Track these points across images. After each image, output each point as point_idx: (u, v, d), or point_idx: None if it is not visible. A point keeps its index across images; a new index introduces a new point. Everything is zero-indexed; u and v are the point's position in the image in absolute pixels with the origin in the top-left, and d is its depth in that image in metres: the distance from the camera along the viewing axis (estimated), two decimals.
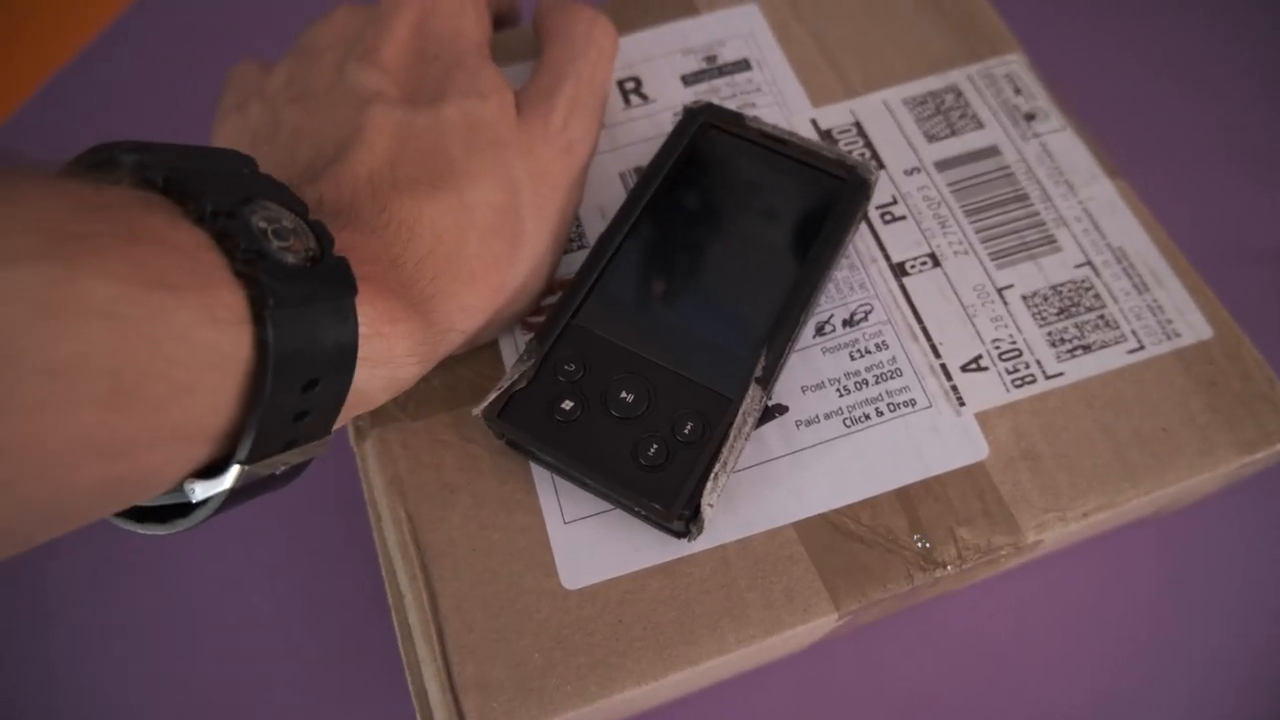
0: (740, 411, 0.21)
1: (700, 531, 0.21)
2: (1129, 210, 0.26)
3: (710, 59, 0.29)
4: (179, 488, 0.15)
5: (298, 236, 0.16)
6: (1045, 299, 0.25)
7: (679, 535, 0.21)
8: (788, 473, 0.23)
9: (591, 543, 0.22)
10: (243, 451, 0.15)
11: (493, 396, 0.21)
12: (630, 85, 0.29)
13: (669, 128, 0.27)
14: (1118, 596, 0.29)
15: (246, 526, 0.30)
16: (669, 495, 0.20)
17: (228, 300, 0.14)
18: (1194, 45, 0.40)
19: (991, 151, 0.27)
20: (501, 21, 0.28)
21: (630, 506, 0.21)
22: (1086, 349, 0.24)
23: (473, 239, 0.21)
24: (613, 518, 0.22)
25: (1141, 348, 0.24)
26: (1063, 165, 0.27)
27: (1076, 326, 0.24)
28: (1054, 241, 0.26)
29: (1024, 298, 0.25)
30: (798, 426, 0.23)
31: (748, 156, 0.25)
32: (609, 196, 0.27)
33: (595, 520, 0.22)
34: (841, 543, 0.22)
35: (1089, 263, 0.25)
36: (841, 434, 0.23)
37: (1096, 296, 0.25)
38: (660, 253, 0.24)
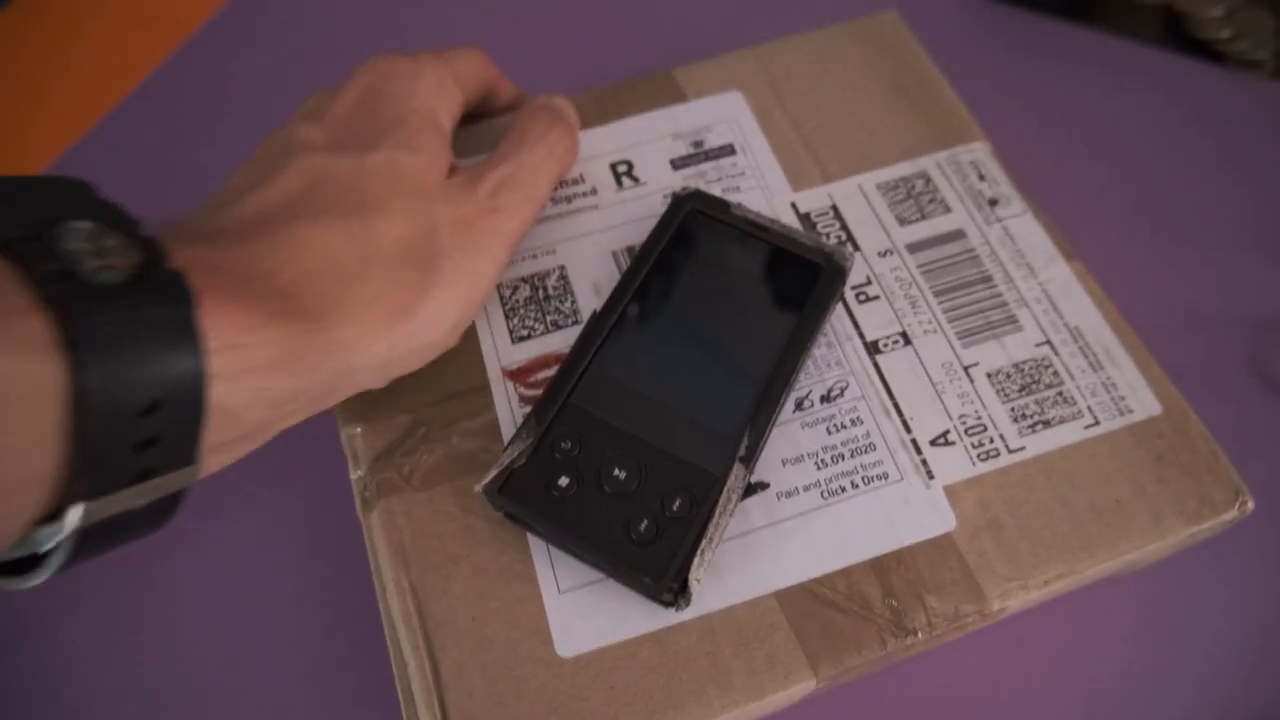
0: (725, 489, 0.23)
1: (688, 603, 0.22)
2: (1084, 291, 0.28)
3: (698, 144, 0.31)
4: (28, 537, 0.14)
5: (123, 254, 0.15)
6: (1008, 376, 0.27)
7: (668, 605, 0.23)
8: (769, 543, 0.24)
9: (585, 612, 0.23)
10: (78, 490, 0.14)
11: (493, 473, 0.23)
12: (623, 168, 0.31)
13: (659, 209, 0.29)
14: (1086, 651, 0.30)
15: (256, 587, 0.31)
16: (659, 569, 0.22)
17: (33, 326, 0.13)
18: (1144, 129, 0.42)
19: (958, 235, 0.29)
20: (494, 103, 0.30)
21: (622, 579, 0.23)
22: (1046, 424, 0.26)
23: (376, 265, 0.21)
24: (606, 587, 0.23)
25: (1097, 423, 0.26)
26: (1023, 248, 0.29)
27: (1037, 403, 0.26)
28: (1016, 321, 0.27)
29: (989, 375, 0.27)
30: (779, 498, 0.25)
31: (732, 242, 0.27)
32: (602, 274, 0.28)
33: (589, 589, 0.23)
34: (819, 611, 0.23)
35: (1048, 341, 0.27)
36: (819, 506, 0.25)
37: (1055, 374, 0.27)
38: (650, 334, 0.26)
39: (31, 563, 0.15)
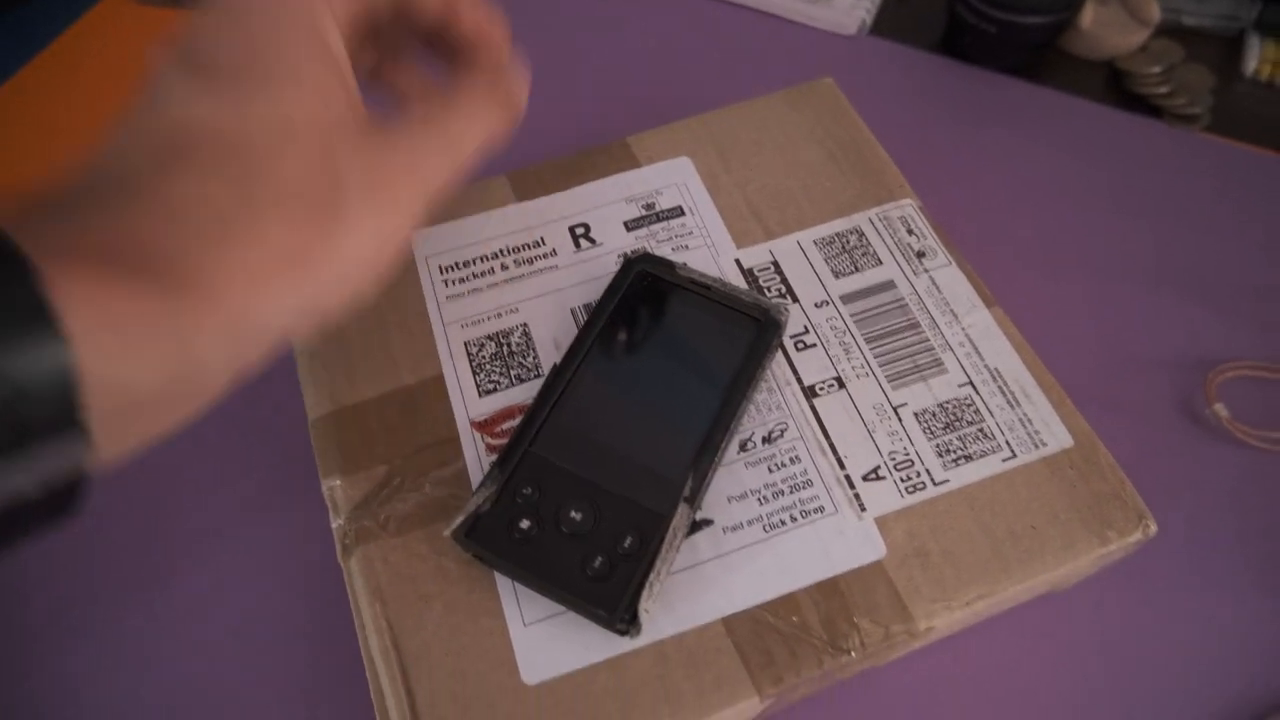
0: (671, 527, 0.25)
1: (639, 632, 0.24)
2: (1003, 335, 0.31)
3: (649, 206, 0.34)
4: None
5: None
6: (934, 415, 0.29)
7: (622, 634, 0.25)
8: (716, 574, 0.26)
9: (548, 642, 0.25)
10: None
11: (460, 519, 0.25)
12: (580, 230, 0.33)
13: (614, 268, 0.31)
14: (1018, 665, 0.33)
15: (240, 623, 0.33)
16: (612, 602, 0.24)
17: None
18: (1084, 180, 0.45)
19: (889, 285, 0.32)
20: (416, 10, 0.25)
21: (580, 611, 0.25)
22: (968, 458, 0.28)
23: (265, 209, 0.19)
24: (566, 619, 0.26)
25: (1014, 456, 0.28)
26: (948, 297, 0.32)
27: (960, 439, 0.29)
28: (941, 364, 0.30)
29: (916, 414, 0.29)
30: (724, 532, 0.27)
31: (678, 299, 0.30)
32: (562, 330, 0.31)
33: (551, 622, 0.26)
34: (762, 634, 0.26)
35: (970, 382, 0.30)
36: (761, 539, 0.27)
37: (976, 412, 0.29)
38: (604, 386, 0.28)
39: None
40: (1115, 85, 0.50)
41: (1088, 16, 0.49)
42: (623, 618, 0.24)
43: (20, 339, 0.14)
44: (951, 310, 0.31)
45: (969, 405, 0.29)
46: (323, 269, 0.20)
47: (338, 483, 0.28)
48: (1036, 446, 0.29)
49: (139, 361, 0.17)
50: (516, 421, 0.29)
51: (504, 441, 0.28)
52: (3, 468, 0.15)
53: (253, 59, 0.20)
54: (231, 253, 0.18)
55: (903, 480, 0.28)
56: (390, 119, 0.22)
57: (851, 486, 0.28)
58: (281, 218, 0.19)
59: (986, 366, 0.30)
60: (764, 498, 0.28)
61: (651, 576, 0.24)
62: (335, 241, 0.20)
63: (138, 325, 0.16)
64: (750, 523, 0.27)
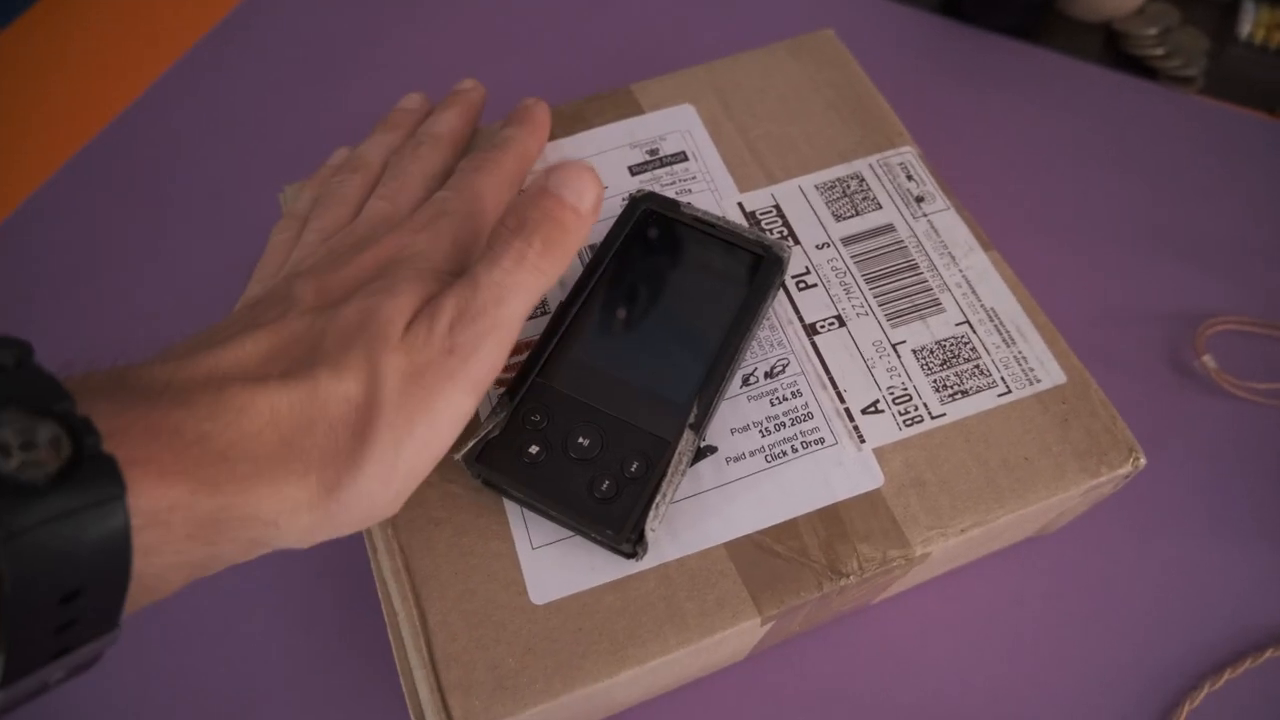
0: (677, 452, 0.26)
1: (645, 552, 0.25)
2: (999, 277, 0.31)
3: (653, 151, 0.34)
4: None
5: (50, 446, 0.15)
6: (931, 352, 0.30)
7: (628, 556, 0.26)
8: (719, 502, 0.27)
9: (555, 564, 0.26)
10: None
11: (471, 444, 0.26)
12: None
13: (619, 210, 0.32)
14: (1007, 607, 0.34)
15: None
16: (618, 523, 0.25)
17: None
18: (1078, 140, 0.46)
19: (888, 228, 0.32)
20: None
21: (587, 533, 0.26)
22: (964, 393, 0.29)
23: (319, 430, 0.20)
24: (573, 543, 0.26)
25: (1009, 391, 0.29)
26: (946, 240, 0.32)
27: (956, 375, 0.29)
28: (939, 304, 0.31)
29: (914, 351, 0.30)
30: (727, 462, 0.28)
31: (683, 237, 0.30)
32: (567, 271, 0.31)
33: (558, 545, 0.26)
34: (763, 559, 0.26)
35: (967, 321, 0.30)
36: (763, 468, 0.28)
37: (973, 349, 0.30)
38: (610, 320, 0.29)
39: None
40: (1112, 47, 0.50)
41: None
42: (629, 538, 0.25)
43: (94, 545, 0.15)
44: (949, 253, 0.32)
45: (966, 343, 0.30)
46: (341, 501, 0.21)
47: None
48: (1031, 383, 0.29)
49: (176, 561, 0.18)
50: (524, 356, 0.29)
51: (511, 375, 0.29)
52: (44, 671, 0.15)
53: (365, 274, 0.24)
54: (282, 481, 0.19)
55: (901, 414, 0.29)
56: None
57: (851, 419, 0.28)
58: (329, 443, 0.20)
59: (983, 306, 0.31)
60: (766, 429, 0.28)
61: (657, 499, 0.25)
62: (361, 469, 0.21)
63: (189, 533, 0.18)
64: (752, 453, 0.28)
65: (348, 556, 0.31)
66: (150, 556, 0.17)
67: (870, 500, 0.27)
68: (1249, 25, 0.50)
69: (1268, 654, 0.32)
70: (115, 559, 0.16)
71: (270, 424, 0.19)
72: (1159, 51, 0.49)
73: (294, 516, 0.20)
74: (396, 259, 0.24)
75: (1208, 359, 0.38)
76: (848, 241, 0.32)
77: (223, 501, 0.18)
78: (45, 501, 0.14)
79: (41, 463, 0.14)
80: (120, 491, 0.15)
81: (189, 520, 0.18)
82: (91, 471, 0.15)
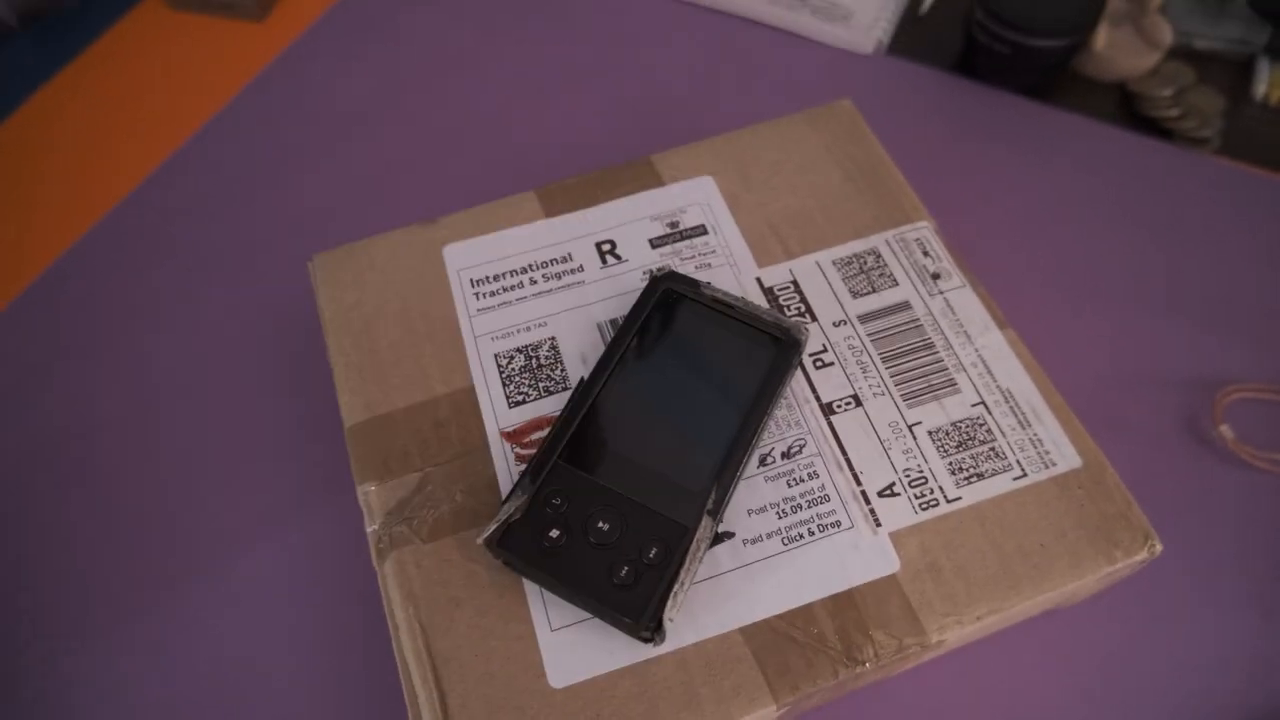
0: (695, 539, 0.26)
1: (663, 639, 0.25)
2: (1015, 357, 0.32)
3: (673, 224, 0.35)
4: None
5: None
6: (947, 434, 0.30)
7: (646, 641, 0.26)
8: (736, 585, 0.27)
9: (574, 647, 0.26)
10: None
11: (492, 528, 0.26)
12: (606, 247, 0.34)
13: (639, 284, 0.32)
14: (1023, 678, 0.34)
15: (272, 624, 0.34)
16: (637, 610, 0.25)
17: None
18: (1095, 201, 0.46)
19: (904, 306, 0.33)
20: None
21: (606, 618, 0.26)
22: (980, 476, 0.29)
23: None
24: (592, 625, 0.27)
25: (1024, 475, 0.29)
26: (962, 318, 0.33)
27: (972, 457, 0.30)
28: (954, 384, 0.31)
29: (930, 433, 0.30)
30: (745, 544, 0.28)
31: (702, 317, 0.31)
32: (589, 344, 0.32)
33: (577, 628, 0.27)
34: (780, 644, 0.27)
35: (983, 402, 0.31)
36: (780, 551, 0.28)
37: (989, 431, 0.30)
38: (630, 400, 0.29)
39: None
40: (1126, 107, 0.51)
41: (1101, 39, 0.49)
42: (648, 626, 0.25)
43: None
44: (965, 331, 0.32)
45: (981, 425, 0.30)
46: None
47: (372, 488, 0.29)
48: (1046, 466, 0.30)
49: None
50: (545, 432, 0.30)
51: (532, 451, 0.29)
52: None
53: None
54: None
55: (917, 497, 0.29)
56: None
57: (867, 502, 0.29)
58: None
59: (999, 387, 0.31)
60: (783, 511, 0.29)
61: (676, 586, 0.25)
62: None
63: None
64: (769, 535, 0.28)
65: (369, 636, 0.31)
66: None
67: (886, 586, 0.27)
68: (1264, 85, 0.50)
69: None
70: None
71: None
72: (1174, 112, 0.49)
73: None
74: None
75: (1225, 429, 0.38)
76: (864, 319, 0.33)
77: None
78: None
79: None
80: None
81: None
82: None
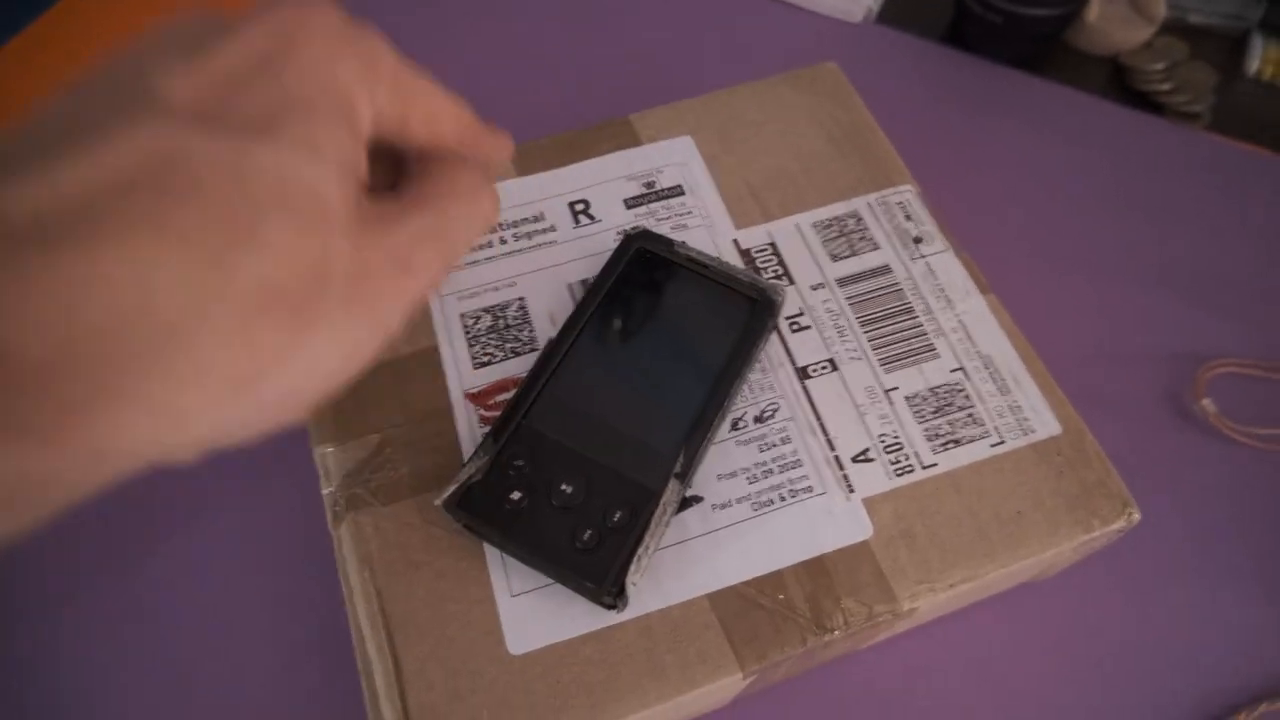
0: (661, 502, 0.25)
1: (626, 605, 0.25)
2: (996, 323, 0.31)
3: (649, 184, 0.34)
4: None
5: None
6: (924, 399, 0.29)
7: (608, 607, 0.25)
8: (704, 551, 0.27)
9: (535, 613, 0.25)
10: None
11: (452, 489, 0.25)
12: (580, 206, 0.33)
13: (612, 245, 0.31)
14: (997, 653, 0.33)
15: (232, 588, 0.33)
16: (599, 575, 0.24)
17: None
18: (1083, 174, 0.46)
19: (884, 270, 0.32)
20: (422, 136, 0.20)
21: (567, 583, 0.25)
22: (957, 443, 0.29)
23: (221, 317, 0.14)
24: (553, 590, 0.26)
25: (1002, 442, 0.29)
26: (943, 283, 0.32)
27: (949, 424, 0.29)
28: (933, 349, 0.30)
29: (907, 398, 0.29)
30: (713, 510, 0.27)
31: (676, 277, 0.30)
32: (558, 305, 0.31)
33: (538, 593, 0.26)
34: (747, 611, 0.26)
35: (962, 368, 0.30)
36: (750, 516, 0.27)
37: (967, 398, 0.29)
38: (599, 361, 0.28)
39: None
40: (1118, 81, 0.50)
41: (1093, 11, 0.48)
42: (610, 591, 0.24)
43: None
44: (946, 296, 0.31)
45: (960, 391, 0.29)
46: (257, 397, 0.15)
47: (330, 450, 0.28)
48: (1025, 433, 0.29)
49: None
50: (510, 394, 0.29)
51: (497, 414, 0.28)
52: None
53: (276, 101, 0.16)
54: (158, 392, 0.14)
55: (892, 463, 0.28)
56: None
57: (841, 467, 0.28)
58: (240, 333, 0.14)
59: (978, 353, 0.30)
60: (754, 476, 0.28)
61: (640, 551, 0.25)
62: (291, 363, 0.15)
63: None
64: (739, 500, 0.27)
65: (321, 601, 0.30)
66: None
67: (858, 552, 0.27)
68: (1257, 62, 0.50)
69: (1262, 708, 0.32)
70: None
71: (139, 308, 0.14)
72: (1166, 86, 0.48)
73: (179, 427, 0.15)
74: (313, 89, 0.17)
75: (1207, 403, 0.38)
76: (843, 282, 0.32)
77: (37, 438, 0.13)
78: None
79: None
80: None
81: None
82: None
